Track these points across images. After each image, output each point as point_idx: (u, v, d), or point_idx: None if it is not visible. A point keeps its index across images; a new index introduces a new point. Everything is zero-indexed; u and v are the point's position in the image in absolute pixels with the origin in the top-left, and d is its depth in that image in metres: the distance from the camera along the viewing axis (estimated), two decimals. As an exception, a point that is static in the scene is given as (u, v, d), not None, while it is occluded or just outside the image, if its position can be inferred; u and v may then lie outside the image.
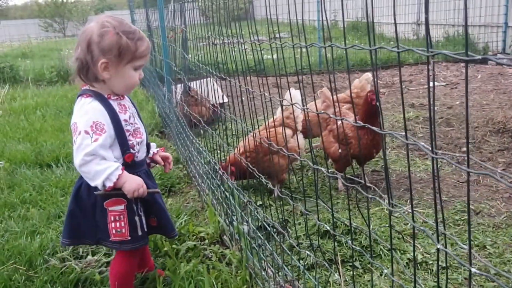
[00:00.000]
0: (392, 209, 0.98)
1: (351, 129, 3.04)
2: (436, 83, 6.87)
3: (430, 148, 0.78)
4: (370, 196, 1.05)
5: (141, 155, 1.85)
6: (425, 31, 0.70)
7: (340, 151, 3.03)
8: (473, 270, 0.73)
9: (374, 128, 0.98)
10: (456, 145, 4.05)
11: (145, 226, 1.84)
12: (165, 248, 2.41)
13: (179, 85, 4.55)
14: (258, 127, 2.60)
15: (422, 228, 0.93)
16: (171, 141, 4.57)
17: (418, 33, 10.91)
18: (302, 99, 1.72)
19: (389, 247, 2.34)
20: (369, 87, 3.85)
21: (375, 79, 1.02)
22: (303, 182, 1.62)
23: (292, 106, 1.55)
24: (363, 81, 3.82)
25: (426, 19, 0.68)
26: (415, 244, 2.39)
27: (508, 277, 0.68)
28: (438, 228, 0.88)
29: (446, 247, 0.86)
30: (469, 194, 0.73)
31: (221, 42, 2.31)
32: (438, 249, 0.82)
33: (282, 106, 1.54)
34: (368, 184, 1.15)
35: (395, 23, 0.87)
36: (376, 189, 1.17)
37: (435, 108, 5.37)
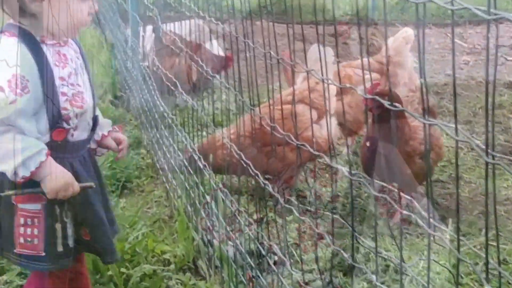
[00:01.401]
0: (434, 233, 1.06)
1: None
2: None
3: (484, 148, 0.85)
4: (404, 212, 1.12)
5: (80, 133, 1.91)
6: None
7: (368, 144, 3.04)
8: None
9: (415, 115, 1.06)
10: None
11: (70, 240, 1.90)
12: (110, 272, 2.51)
13: (149, 27, 4.61)
14: (259, 103, 2.64)
15: (470, 264, 1.02)
16: (131, 111, 4.67)
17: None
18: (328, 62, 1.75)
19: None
20: (408, 48, 3.79)
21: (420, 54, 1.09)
22: (315, 190, 1.70)
23: (311, 73, 1.62)
24: (399, 39, 3.81)
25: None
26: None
27: None
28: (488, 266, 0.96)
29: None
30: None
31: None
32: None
33: (293, 72, 1.62)
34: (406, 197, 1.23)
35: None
36: (417, 205, 1.24)
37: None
